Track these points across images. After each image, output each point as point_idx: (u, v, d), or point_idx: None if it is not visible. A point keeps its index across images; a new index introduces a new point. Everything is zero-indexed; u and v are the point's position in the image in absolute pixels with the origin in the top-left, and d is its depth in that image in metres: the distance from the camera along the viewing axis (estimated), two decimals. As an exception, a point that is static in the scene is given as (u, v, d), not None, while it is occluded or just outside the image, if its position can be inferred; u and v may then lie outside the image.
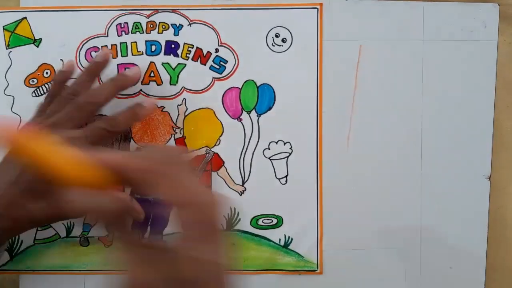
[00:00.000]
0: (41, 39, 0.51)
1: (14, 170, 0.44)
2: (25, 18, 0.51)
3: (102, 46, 0.51)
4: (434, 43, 0.51)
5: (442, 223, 0.53)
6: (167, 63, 0.51)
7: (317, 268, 0.52)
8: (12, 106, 0.52)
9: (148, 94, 0.52)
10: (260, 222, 0.52)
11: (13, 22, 0.51)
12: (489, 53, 0.52)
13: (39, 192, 0.43)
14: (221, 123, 0.52)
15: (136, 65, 0.51)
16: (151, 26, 0.51)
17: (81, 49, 0.51)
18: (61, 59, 0.51)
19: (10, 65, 0.52)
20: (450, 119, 0.52)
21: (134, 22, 0.51)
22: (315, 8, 0.51)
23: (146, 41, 0.51)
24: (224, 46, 0.51)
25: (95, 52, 0.51)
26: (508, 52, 0.52)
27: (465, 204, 0.52)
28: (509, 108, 0.52)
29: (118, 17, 0.51)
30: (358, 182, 0.52)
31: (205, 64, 0.51)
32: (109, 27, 0.51)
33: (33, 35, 0.51)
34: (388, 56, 0.52)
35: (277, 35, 0.51)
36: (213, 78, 0.51)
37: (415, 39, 0.52)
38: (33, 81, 0.52)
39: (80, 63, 0.51)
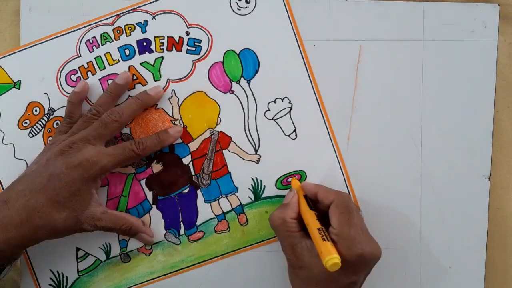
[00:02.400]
0: (20, 80, 0.52)
1: (41, 179, 0.45)
2: (-1, 66, 0.52)
3: (122, 72, 0.51)
4: (434, 43, 0.51)
5: (442, 223, 0.52)
6: (145, 61, 0.51)
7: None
8: (14, 153, 0.52)
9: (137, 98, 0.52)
10: (285, 182, 0.52)
11: (-11, 74, 0.52)
12: (489, 53, 0.52)
13: (62, 203, 0.44)
14: (215, 101, 0.52)
15: (158, 86, 0.51)
16: (118, 32, 0.51)
17: (60, 76, 0.52)
18: (45, 93, 0.52)
19: (0, 115, 0.52)
20: (450, 119, 0.52)
21: (101, 34, 0.51)
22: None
23: (118, 47, 0.51)
24: (193, 27, 0.51)
25: (74, 75, 0.52)
26: (508, 52, 0.52)
27: (465, 204, 0.52)
28: (509, 108, 0.52)
29: (85, 34, 0.51)
30: (358, 181, 0.52)
31: (181, 50, 0.51)
32: (80, 47, 0.51)
33: (11, 79, 0.52)
34: (388, 56, 0.51)
35: (239, -2, 0.51)
36: (192, 61, 0.51)
37: (415, 39, 0.51)
38: (26, 123, 0.52)
39: (63, 90, 0.52)
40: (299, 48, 0.51)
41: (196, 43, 0.51)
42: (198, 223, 0.52)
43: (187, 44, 0.51)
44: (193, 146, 0.52)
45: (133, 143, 0.48)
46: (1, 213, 0.44)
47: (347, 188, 0.52)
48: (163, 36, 0.51)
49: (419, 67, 0.52)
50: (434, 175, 0.52)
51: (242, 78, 0.51)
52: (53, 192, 0.45)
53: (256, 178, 0.52)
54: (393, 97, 0.52)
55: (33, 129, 0.52)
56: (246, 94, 0.52)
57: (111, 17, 0.51)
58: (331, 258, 0.40)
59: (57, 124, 0.52)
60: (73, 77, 0.52)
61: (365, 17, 0.51)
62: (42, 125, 0.52)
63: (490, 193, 0.53)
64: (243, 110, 0.52)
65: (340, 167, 0.52)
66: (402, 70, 0.52)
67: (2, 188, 0.52)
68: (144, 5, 0.51)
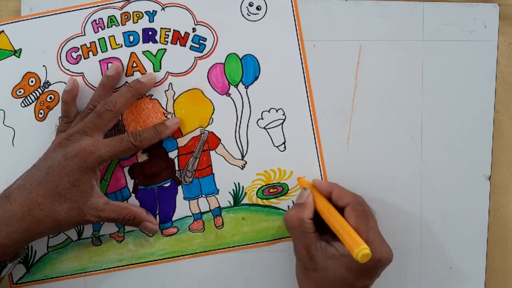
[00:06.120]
0: (21, 49, 0.52)
1: (41, 172, 0.45)
2: (3, 31, 0.52)
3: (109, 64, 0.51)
4: (434, 43, 0.51)
5: (442, 223, 0.52)
6: (148, 51, 0.51)
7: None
8: (4, 119, 0.52)
9: (134, 85, 0.52)
10: (266, 192, 0.52)
11: (-9, 38, 0.52)
12: (489, 53, 0.52)
13: (63, 194, 0.44)
14: (210, 101, 0.52)
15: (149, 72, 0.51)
16: (126, 17, 0.51)
17: (61, 52, 0.51)
18: (43, 65, 0.52)
19: (-4, 80, 0.52)
20: (450, 119, 0.52)
21: (109, 16, 0.51)
22: (285, -29, 0.51)
23: (123, 32, 0.51)
24: (201, 24, 0.51)
25: (75, 52, 0.51)
26: (508, 52, 0.52)
27: (465, 204, 0.52)
28: (509, 108, 0.52)
29: (92, 14, 0.51)
30: (358, 182, 0.52)
31: (184, 46, 0.51)
32: (85, 26, 0.51)
33: (13, 46, 0.52)
34: (388, 56, 0.51)
35: (251, 4, 0.51)
36: (195, 58, 0.51)
37: (415, 39, 0.51)
38: (20, 92, 0.52)
39: (62, 65, 0.52)
40: (302, 63, 0.51)
41: (201, 41, 0.51)
42: (174, 218, 0.52)
43: (192, 41, 0.51)
44: (182, 141, 0.52)
45: (131, 135, 0.48)
46: (3, 208, 0.44)
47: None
48: (169, 29, 0.51)
49: (419, 67, 0.51)
50: (434, 175, 0.52)
51: (240, 83, 0.51)
52: (53, 184, 0.45)
53: (239, 183, 0.52)
54: (393, 97, 0.52)
55: (26, 99, 0.52)
56: (242, 99, 0.52)
57: (121, 1, 0.51)
58: (362, 249, 0.40)
59: (50, 98, 0.52)
60: (74, 55, 0.51)
61: (365, 17, 0.51)
62: (36, 97, 0.52)
63: (490, 193, 0.52)
64: (237, 115, 0.52)
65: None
66: (402, 70, 0.51)
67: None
68: (156, -5, 0.51)
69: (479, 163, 0.52)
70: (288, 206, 0.52)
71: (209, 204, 0.52)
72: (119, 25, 0.51)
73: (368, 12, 0.51)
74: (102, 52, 0.51)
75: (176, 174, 0.52)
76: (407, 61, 0.51)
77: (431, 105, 0.52)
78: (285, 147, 0.52)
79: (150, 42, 0.51)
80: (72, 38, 0.51)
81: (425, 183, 0.52)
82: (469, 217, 0.52)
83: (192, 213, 0.52)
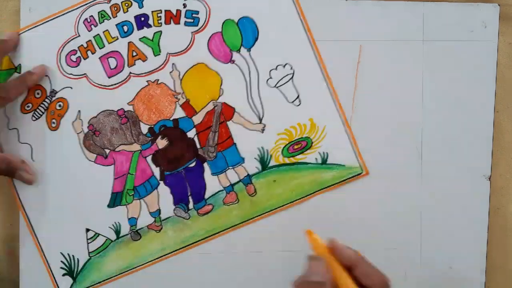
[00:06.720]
0: (20, 64, 0.52)
1: None
2: (2, 52, 0.52)
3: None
4: (434, 43, 0.51)
5: (442, 223, 0.52)
6: (144, 37, 0.51)
7: (362, 170, 0.51)
8: (18, 137, 0.52)
9: (138, 74, 0.51)
10: (291, 150, 0.52)
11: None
12: (489, 53, 0.51)
13: None
14: (217, 72, 0.51)
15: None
16: (115, 9, 0.51)
17: (60, 58, 0.51)
18: (46, 75, 0.52)
19: (4, 101, 0.52)
20: (450, 119, 0.52)
21: (99, 12, 0.51)
22: None
23: (116, 24, 0.51)
24: (190, -1, 0.51)
25: (74, 55, 0.51)
26: (508, 52, 0.52)
27: (465, 204, 0.52)
28: (509, 108, 0.52)
29: (82, 13, 0.51)
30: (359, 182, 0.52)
31: (179, 23, 0.51)
32: (78, 26, 0.51)
33: (13, 63, 0.52)
34: (388, 56, 0.51)
35: (235, -33, 0.50)
36: (191, 33, 0.51)
37: (415, 39, 0.51)
38: (28, 106, 0.52)
39: (64, 71, 0.52)
40: (297, 12, 0.51)
41: (194, 15, 0.51)
42: (206, 196, 0.52)
43: (185, 16, 0.51)
44: (197, 119, 0.52)
45: None
46: None
47: (354, 152, 0.51)
48: (160, 10, 0.51)
49: (419, 67, 0.51)
50: (434, 175, 0.52)
51: (242, 47, 0.51)
52: None
53: (262, 147, 0.52)
54: (393, 97, 0.51)
55: (35, 112, 0.52)
56: (247, 63, 0.51)
57: (107, -6, 0.51)
58: None
59: (59, 106, 0.52)
60: (73, 57, 0.51)
61: (365, 17, 0.51)
62: (45, 108, 0.52)
63: (490, 193, 0.52)
64: (245, 80, 0.51)
65: (346, 131, 0.51)
66: (402, 70, 0.51)
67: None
68: (140, -20, 0.51)
69: (479, 163, 0.52)
70: (316, 159, 0.52)
71: (237, 175, 0.52)
72: (110, 18, 0.51)
73: (368, 12, 0.51)
74: (100, 48, 0.51)
75: (199, 152, 0.52)
76: (407, 61, 0.51)
77: (431, 105, 0.52)
78: (299, 101, 0.51)
79: (145, 27, 0.51)
80: (68, 42, 0.51)
81: (425, 183, 0.52)
82: (469, 217, 0.52)
83: (223, 187, 0.52)
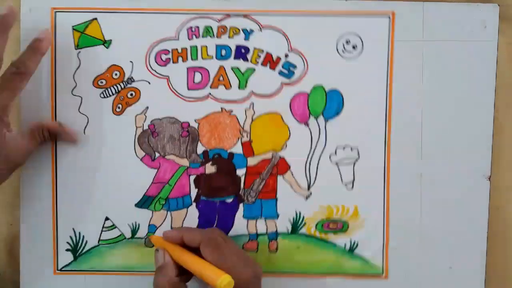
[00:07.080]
0: (111, 40, 0.52)
1: None
2: (96, 19, 0.52)
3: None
4: (434, 43, 0.52)
5: (442, 223, 0.53)
6: (237, 67, 0.52)
7: (383, 273, 0.53)
8: (79, 106, 0.52)
9: (217, 98, 0.52)
10: (325, 227, 0.53)
11: (83, 23, 0.51)
12: (489, 53, 0.52)
13: None
14: (288, 127, 0.52)
15: None
16: (222, 30, 0.52)
17: (151, 51, 0.52)
18: (130, 61, 0.52)
19: (79, 66, 0.52)
20: (450, 119, 0.52)
21: (205, 26, 0.51)
22: (387, 16, 0.51)
23: (216, 45, 0.52)
24: (294, 52, 0.52)
25: (165, 55, 0.52)
26: (508, 52, 0.52)
27: (465, 204, 0.53)
28: (509, 108, 0.53)
29: (190, 20, 0.51)
30: None
31: (274, 69, 0.52)
32: (180, 31, 0.52)
33: (103, 36, 0.52)
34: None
35: (347, 42, 0.51)
36: (281, 83, 0.52)
37: (415, 39, 0.52)
38: (101, 82, 0.52)
39: (149, 65, 0.52)
40: (386, 108, 0.52)
41: (291, 68, 0.52)
42: (229, 234, 0.53)
43: (282, 66, 0.52)
44: (252, 161, 0.52)
45: (10, 66, 0.47)
46: None
47: (382, 254, 0.53)
48: (263, 50, 0.52)
49: (419, 67, 0.52)
50: (434, 175, 0.52)
51: (321, 115, 0.52)
52: None
53: (300, 212, 0.53)
54: (393, 97, 0.52)
55: (106, 90, 0.52)
56: (319, 131, 0.52)
57: (221, 14, 0.51)
58: (222, 279, 0.41)
59: (131, 94, 0.52)
60: (163, 57, 0.52)
61: (365, 17, 0.52)
62: (117, 90, 0.52)
63: (490, 193, 0.53)
64: (311, 145, 0.52)
65: (383, 231, 0.53)
66: (402, 70, 0.52)
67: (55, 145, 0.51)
68: (256, 14, 0.51)
69: (479, 163, 0.53)
70: (345, 244, 0.53)
71: (266, 227, 0.53)
72: (214, 36, 0.52)
73: (368, 12, 0.51)
74: (192, 60, 0.52)
75: (240, 192, 0.53)
76: (407, 61, 0.52)
77: (431, 105, 0.52)
78: (353, 186, 0.53)
79: (241, 59, 0.52)
80: (165, 40, 0.52)
81: (425, 183, 0.53)
82: (469, 217, 0.53)
83: (248, 232, 0.53)
